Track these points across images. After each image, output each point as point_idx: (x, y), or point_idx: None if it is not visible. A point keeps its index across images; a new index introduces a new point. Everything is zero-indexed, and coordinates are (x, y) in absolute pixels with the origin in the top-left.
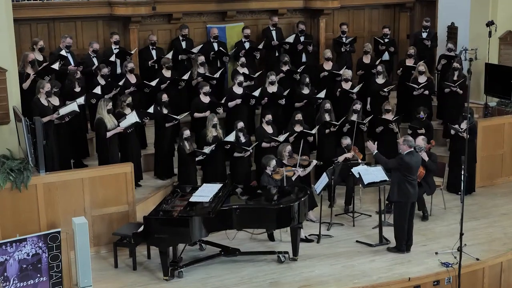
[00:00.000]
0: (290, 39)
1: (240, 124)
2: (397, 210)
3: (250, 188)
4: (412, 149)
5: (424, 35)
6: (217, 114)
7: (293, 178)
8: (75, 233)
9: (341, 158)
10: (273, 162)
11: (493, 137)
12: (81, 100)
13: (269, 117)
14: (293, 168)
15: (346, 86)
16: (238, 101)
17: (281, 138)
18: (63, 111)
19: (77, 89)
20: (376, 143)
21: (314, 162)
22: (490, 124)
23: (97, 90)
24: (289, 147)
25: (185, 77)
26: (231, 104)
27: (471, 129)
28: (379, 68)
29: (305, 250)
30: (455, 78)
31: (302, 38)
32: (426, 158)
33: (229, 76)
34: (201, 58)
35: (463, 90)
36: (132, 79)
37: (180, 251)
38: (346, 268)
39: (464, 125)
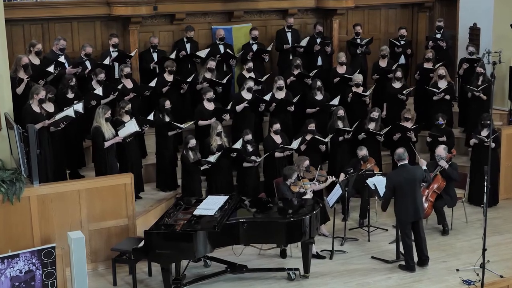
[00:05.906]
0: (304, 42)
1: (248, 137)
2: (399, 228)
3: (258, 200)
4: (404, 163)
5: (438, 36)
6: (222, 121)
7: (307, 192)
8: (71, 248)
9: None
10: (295, 175)
11: None
12: (79, 108)
13: (277, 126)
14: (311, 182)
15: (358, 91)
16: (245, 103)
17: (294, 145)
18: (58, 116)
19: (70, 95)
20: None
21: (331, 179)
22: None
23: (98, 91)
24: (307, 162)
25: (189, 79)
26: (239, 107)
27: (495, 137)
28: (398, 74)
29: (317, 267)
30: (479, 83)
31: (318, 41)
32: (446, 166)
33: (235, 81)
34: (212, 64)
35: (487, 95)
36: (128, 84)
37: (183, 268)
38: (361, 286)
39: (484, 133)
